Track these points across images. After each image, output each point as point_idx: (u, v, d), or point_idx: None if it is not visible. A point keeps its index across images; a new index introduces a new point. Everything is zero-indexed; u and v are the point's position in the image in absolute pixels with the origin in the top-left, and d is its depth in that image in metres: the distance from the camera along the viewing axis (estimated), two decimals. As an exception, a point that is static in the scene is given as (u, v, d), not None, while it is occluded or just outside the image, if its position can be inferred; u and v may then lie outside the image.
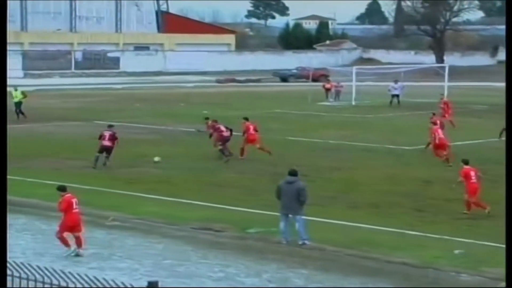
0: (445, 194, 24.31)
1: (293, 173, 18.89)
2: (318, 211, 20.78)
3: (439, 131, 30.60)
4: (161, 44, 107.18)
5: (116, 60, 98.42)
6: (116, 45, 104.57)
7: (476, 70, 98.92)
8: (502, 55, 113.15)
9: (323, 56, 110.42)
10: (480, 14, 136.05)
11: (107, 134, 29.32)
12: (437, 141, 30.28)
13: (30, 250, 18.03)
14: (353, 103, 55.70)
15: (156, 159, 29.99)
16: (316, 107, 53.50)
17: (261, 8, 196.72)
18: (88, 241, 18.80)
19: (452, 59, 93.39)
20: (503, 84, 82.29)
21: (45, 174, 27.06)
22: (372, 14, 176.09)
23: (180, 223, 20.46)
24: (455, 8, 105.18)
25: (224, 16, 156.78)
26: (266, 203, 22.49)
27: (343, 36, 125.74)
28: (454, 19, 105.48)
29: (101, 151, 29.04)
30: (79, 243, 17.64)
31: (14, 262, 9.57)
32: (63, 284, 8.96)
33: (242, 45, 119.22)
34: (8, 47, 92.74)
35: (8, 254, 16.58)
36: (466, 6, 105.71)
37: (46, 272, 9.15)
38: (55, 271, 9.21)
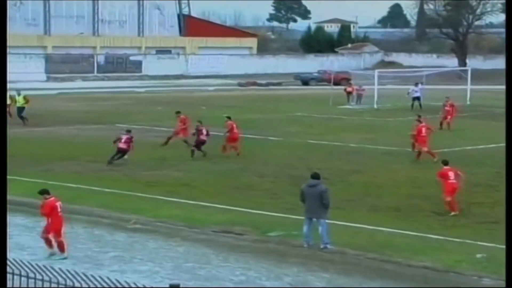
0: (466, 198, 24.20)
1: (315, 176, 18.95)
2: (339, 214, 20.76)
3: (423, 129, 31.48)
4: (183, 48, 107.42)
5: (138, 64, 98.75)
6: (139, 49, 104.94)
7: (498, 73, 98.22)
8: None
9: (344, 60, 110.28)
10: (503, 17, 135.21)
11: (124, 137, 30.28)
12: (419, 136, 31.44)
13: (52, 252, 18.09)
14: (375, 106, 55.56)
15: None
16: (338, 111, 53.42)
17: (283, 12, 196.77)
18: (109, 244, 18.91)
19: (474, 62, 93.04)
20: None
21: (66, 177, 27.19)
22: (394, 17, 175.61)
23: (201, 226, 20.50)
24: (478, 11, 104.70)
25: (246, 19, 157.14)
26: (286, 206, 22.50)
27: (365, 40, 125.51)
28: (477, 22, 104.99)
29: (116, 153, 29.95)
30: (62, 247, 17.51)
31: (37, 264, 9.63)
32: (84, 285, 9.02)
33: (264, 48, 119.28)
34: (31, 51, 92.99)
35: (30, 257, 16.77)
36: (489, 9, 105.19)
37: (68, 274, 9.21)
38: (77, 273, 9.27)
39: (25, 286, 9.61)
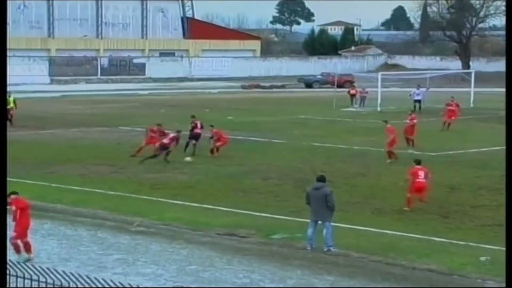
0: (471, 201, 24.18)
1: (320, 179, 18.96)
2: (343, 217, 20.73)
3: (395, 131, 32.20)
4: (187, 50, 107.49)
5: (142, 66, 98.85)
6: (142, 51, 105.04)
7: (502, 75, 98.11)
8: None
9: (348, 62, 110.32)
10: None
11: (171, 134, 31.84)
12: (391, 139, 32.08)
13: (56, 255, 18.10)
14: (378, 109, 55.52)
15: (188, 159, 31.26)
16: (341, 113, 53.40)
17: (286, 14, 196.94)
18: (113, 247, 18.89)
19: (478, 65, 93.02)
20: (529, 90, 79.93)
21: (70, 179, 27.19)
22: (398, 20, 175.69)
23: (205, 228, 20.48)
24: (481, 13, 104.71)
25: (249, 22, 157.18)
26: (291, 209, 22.48)
27: (368, 42, 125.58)
28: (480, 25, 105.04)
29: (160, 149, 31.39)
30: (28, 248, 17.29)
31: (40, 267, 9.62)
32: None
33: (267, 51, 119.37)
34: (35, 54, 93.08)
35: (34, 259, 16.76)
36: (492, 12, 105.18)
37: (72, 277, 9.20)
38: (80, 276, 9.25)
39: (29, 288, 9.59)
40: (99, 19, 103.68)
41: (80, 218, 21.93)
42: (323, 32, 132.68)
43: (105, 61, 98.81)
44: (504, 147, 32.64)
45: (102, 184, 26.28)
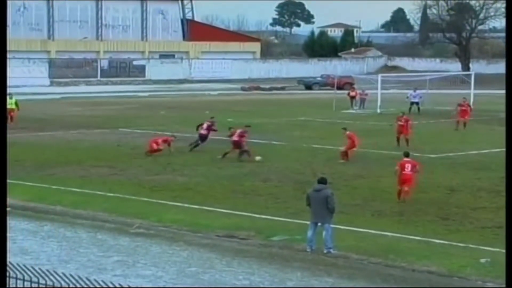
0: (471, 203, 24.18)
1: (321, 181, 18.96)
2: (343, 219, 20.73)
3: (354, 137, 32.74)
4: (186, 52, 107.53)
5: (142, 68, 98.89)
6: (142, 53, 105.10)
7: (502, 77, 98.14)
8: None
9: (348, 64, 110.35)
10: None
11: (205, 124, 34.23)
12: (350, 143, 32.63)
13: (55, 257, 18.10)
14: (378, 111, 55.52)
15: (258, 158, 31.66)
16: (341, 115, 53.40)
17: (286, 16, 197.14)
18: (113, 249, 18.89)
19: (478, 67, 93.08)
20: (529, 92, 79.85)
21: (70, 181, 27.18)
22: (397, 22, 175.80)
23: (205, 230, 20.48)
24: (481, 15, 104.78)
25: (249, 24, 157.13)
26: (291, 210, 22.49)
27: (368, 44, 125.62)
28: (480, 27, 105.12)
29: (198, 140, 33.82)
30: None
31: (40, 269, 9.62)
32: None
33: (267, 53, 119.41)
34: (35, 56, 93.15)
35: (34, 261, 16.75)
36: (492, 14, 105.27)
37: (72, 279, 9.20)
38: (80, 278, 9.25)
39: (29, 290, 9.59)
40: (99, 21, 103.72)
41: (80, 220, 21.93)
42: (323, 34, 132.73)
43: (105, 63, 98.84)
44: (504, 149, 32.69)
45: (102, 186, 26.28)
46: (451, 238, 19.62)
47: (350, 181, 27.83)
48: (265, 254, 18.57)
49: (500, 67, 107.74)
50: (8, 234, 16.25)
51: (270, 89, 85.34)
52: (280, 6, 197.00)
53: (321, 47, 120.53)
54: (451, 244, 19.17)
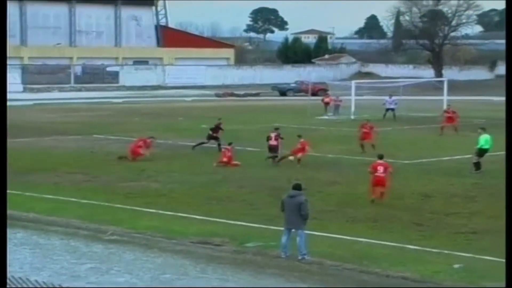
0: (444, 208, 24.30)
1: (296, 187, 18.95)
2: (317, 225, 20.76)
3: (306, 144, 33.51)
4: (160, 59, 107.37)
5: (115, 74, 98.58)
6: (116, 60, 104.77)
7: (474, 84, 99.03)
8: (500, 70, 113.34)
9: (322, 70, 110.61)
10: (478, 28, 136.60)
11: (273, 135, 33.95)
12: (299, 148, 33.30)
13: (28, 264, 17.98)
14: (352, 117, 55.70)
15: (291, 158, 33.02)
16: (315, 121, 53.52)
17: (260, 23, 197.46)
18: (86, 256, 18.79)
19: (450, 73, 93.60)
20: (501, 98, 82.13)
21: (44, 188, 27.03)
22: (371, 28, 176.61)
23: (179, 237, 20.42)
24: (453, 22, 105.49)
25: (223, 30, 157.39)
26: (265, 217, 22.48)
27: (342, 50, 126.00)
28: (453, 34, 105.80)
29: (270, 151, 33.53)
30: None
31: (13, 276, 9.55)
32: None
33: (241, 59, 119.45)
34: (8, 62, 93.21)
35: (7, 269, 16.58)
36: (464, 21, 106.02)
37: (44, 286, 9.14)
38: (53, 285, 9.20)
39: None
40: (72, 27, 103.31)
41: (53, 227, 21.80)
42: (296, 40, 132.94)
43: (78, 69, 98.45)
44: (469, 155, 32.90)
45: (75, 193, 26.16)
46: (425, 244, 19.69)
47: (324, 187, 27.87)
48: (239, 260, 18.55)
49: (472, 74, 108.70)
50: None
51: (245, 95, 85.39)
52: (254, 13, 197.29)
53: (295, 53, 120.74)
54: (425, 250, 19.25)
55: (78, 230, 21.42)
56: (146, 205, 24.40)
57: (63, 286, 9.20)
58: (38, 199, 25.29)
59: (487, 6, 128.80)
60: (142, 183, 28.59)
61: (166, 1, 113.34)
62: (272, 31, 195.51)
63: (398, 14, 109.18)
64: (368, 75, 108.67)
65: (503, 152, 34.29)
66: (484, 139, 31.81)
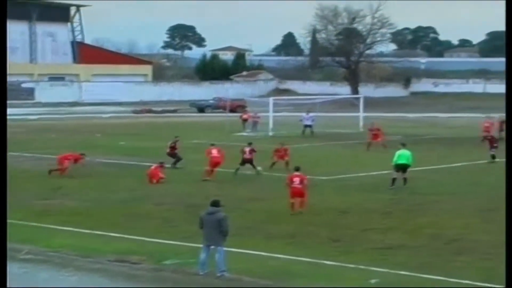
0: (361, 224, 24.55)
1: (214, 204, 18.84)
2: (235, 241, 20.72)
3: (220, 152, 34.69)
4: (77, 75, 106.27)
5: (31, 91, 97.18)
6: (31, 76, 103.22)
7: (389, 101, 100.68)
8: (414, 87, 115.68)
9: (240, 87, 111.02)
10: (392, 46, 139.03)
11: (247, 149, 35.32)
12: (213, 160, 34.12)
13: None
14: (270, 133, 56.03)
15: (259, 168, 34.92)
16: (234, 138, 53.58)
17: (177, 39, 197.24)
18: (0, 276, 18.37)
19: (366, 90, 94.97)
20: (416, 115, 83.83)
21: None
22: (288, 45, 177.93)
23: (96, 255, 20.15)
24: (368, 40, 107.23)
25: (140, 47, 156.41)
26: (183, 234, 22.37)
27: (260, 67, 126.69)
28: (368, 51, 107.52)
29: (242, 164, 34.87)
30: None
31: None
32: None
33: (159, 76, 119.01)
34: None
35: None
36: (378, 39, 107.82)
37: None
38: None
39: None
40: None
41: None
42: (214, 57, 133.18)
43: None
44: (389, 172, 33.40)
45: (-12, 212, 25.58)
46: (342, 260, 19.86)
47: (243, 203, 27.89)
48: (157, 278, 18.40)
49: (387, 91, 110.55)
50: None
51: (162, 112, 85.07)
52: (171, 29, 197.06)
53: (213, 70, 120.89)
54: (341, 265, 19.40)
55: (-8, 249, 20.92)
56: (62, 223, 24.04)
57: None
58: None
59: (400, 25, 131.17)
60: (58, 201, 28.17)
61: (82, 17, 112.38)
62: (190, 48, 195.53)
63: (315, 31, 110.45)
64: (286, 91, 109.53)
65: (421, 168, 35.04)
66: (398, 155, 32.22)
